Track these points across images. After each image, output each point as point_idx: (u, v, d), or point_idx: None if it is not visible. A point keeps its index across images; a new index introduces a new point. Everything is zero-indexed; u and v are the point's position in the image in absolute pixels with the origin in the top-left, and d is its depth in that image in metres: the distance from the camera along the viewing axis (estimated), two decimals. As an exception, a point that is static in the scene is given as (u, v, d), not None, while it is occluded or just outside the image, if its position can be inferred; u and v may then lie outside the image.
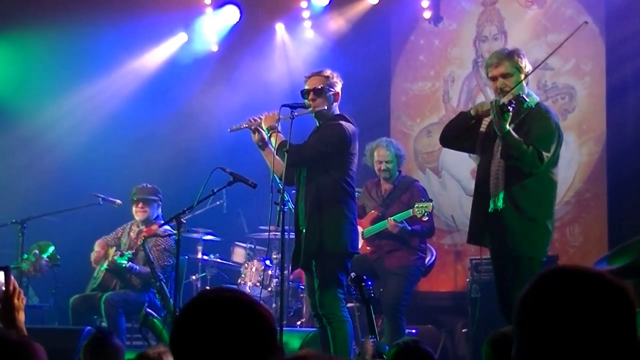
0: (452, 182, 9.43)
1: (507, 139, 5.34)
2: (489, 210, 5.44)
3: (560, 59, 8.97)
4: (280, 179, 6.01)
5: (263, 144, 6.19)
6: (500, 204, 5.39)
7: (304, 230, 5.96)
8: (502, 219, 5.41)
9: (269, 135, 6.09)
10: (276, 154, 6.01)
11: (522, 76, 5.47)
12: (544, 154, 5.33)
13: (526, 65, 5.50)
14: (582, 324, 1.77)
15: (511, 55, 5.53)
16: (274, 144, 6.04)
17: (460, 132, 5.65)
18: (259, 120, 6.16)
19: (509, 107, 5.19)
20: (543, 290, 1.84)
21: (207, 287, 8.34)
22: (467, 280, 8.24)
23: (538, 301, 1.83)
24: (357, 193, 6.65)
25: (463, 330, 8.31)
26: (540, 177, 5.43)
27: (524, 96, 5.42)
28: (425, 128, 9.79)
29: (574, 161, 8.75)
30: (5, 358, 2.38)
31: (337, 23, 10.06)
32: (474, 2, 9.56)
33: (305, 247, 5.92)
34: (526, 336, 1.83)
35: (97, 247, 8.04)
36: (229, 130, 6.40)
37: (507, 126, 5.28)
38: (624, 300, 1.81)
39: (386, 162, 7.66)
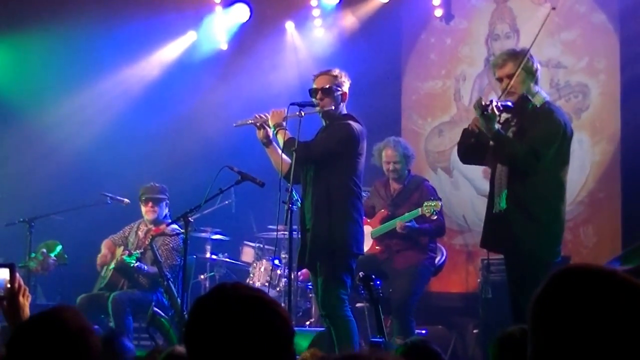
0: (464, 181, 9.35)
1: (496, 139, 5.30)
2: (493, 211, 5.41)
3: (574, 56, 8.89)
4: (284, 177, 5.97)
5: (267, 141, 6.14)
6: (503, 204, 5.35)
7: (309, 230, 5.91)
8: (506, 220, 5.36)
9: (275, 132, 6.04)
10: (283, 151, 5.96)
11: (528, 75, 5.41)
12: (541, 152, 5.26)
13: (534, 63, 5.44)
14: (597, 324, 1.73)
15: (516, 55, 5.48)
16: (280, 141, 6.00)
17: (467, 149, 5.60)
18: (265, 118, 6.11)
19: (488, 108, 5.14)
20: (557, 290, 1.80)
21: (226, 282, 8.29)
22: (479, 280, 8.17)
23: (552, 302, 1.79)
24: (364, 193, 6.59)
25: (474, 331, 8.24)
26: (545, 178, 5.36)
27: (529, 96, 5.38)
28: (436, 127, 9.72)
29: (588, 160, 8.66)
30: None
31: (347, 21, 10.01)
32: (485, -1, 9.49)
33: (311, 246, 5.88)
34: (542, 337, 1.79)
35: (104, 248, 8.01)
36: (234, 125, 6.37)
37: (496, 126, 5.24)
38: (638, 299, 1.77)
39: (394, 162, 7.60)
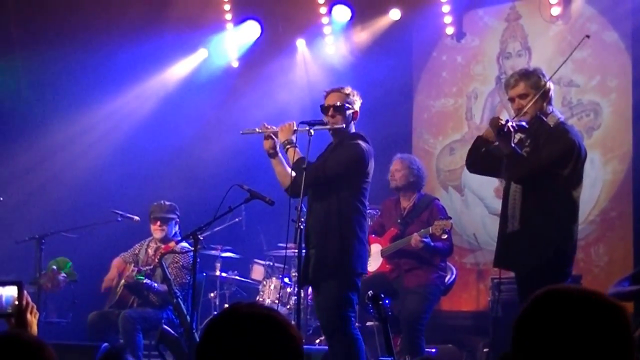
0: (475, 200, 9.32)
1: (512, 158, 5.29)
2: (507, 231, 5.39)
3: (585, 75, 8.86)
4: (287, 191, 5.96)
5: (274, 152, 6.13)
6: (517, 224, 5.33)
7: (313, 248, 5.89)
8: (520, 240, 5.35)
9: (285, 149, 6.02)
10: (293, 170, 5.95)
11: (541, 95, 5.39)
12: (556, 172, 5.26)
13: (546, 83, 5.41)
14: (578, 346, 1.76)
15: (528, 75, 5.46)
16: (291, 159, 5.98)
17: (477, 157, 5.58)
18: (272, 129, 6.10)
19: (504, 128, 5.13)
20: (539, 313, 1.83)
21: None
22: (489, 299, 8.14)
23: (534, 324, 1.82)
24: (373, 211, 6.57)
25: (484, 350, 8.19)
26: (559, 198, 5.34)
27: (542, 116, 5.36)
28: (447, 145, 9.70)
29: (599, 179, 8.61)
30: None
31: (358, 39, 10.02)
32: (497, 18, 9.48)
33: (315, 265, 5.85)
34: (522, 357, 1.82)
35: (113, 268, 7.99)
36: (241, 132, 6.34)
37: (511, 145, 5.22)
38: (620, 320, 1.80)
39: (395, 171, 7.59)
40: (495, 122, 5.23)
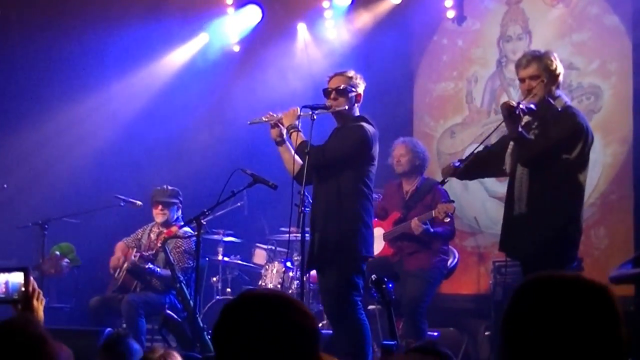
0: (476, 183, 9.30)
1: (519, 141, 5.30)
2: (514, 214, 5.41)
3: (586, 58, 8.86)
4: (295, 178, 5.97)
5: (281, 140, 6.14)
6: (524, 207, 5.35)
7: (317, 232, 5.91)
8: (526, 223, 5.37)
9: (289, 133, 6.04)
10: (296, 154, 5.97)
11: (551, 78, 5.40)
12: (564, 154, 5.27)
13: (557, 67, 5.43)
14: (565, 331, 1.79)
15: (540, 57, 5.47)
16: (294, 143, 6.00)
17: (465, 170, 5.65)
18: (278, 116, 6.11)
19: (515, 110, 5.14)
20: (523, 302, 1.86)
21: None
22: (490, 282, 8.16)
23: (519, 316, 1.85)
24: (375, 195, 6.59)
25: (486, 334, 8.23)
26: (566, 181, 5.36)
27: (550, 99, 5.37)
28: (448, 129, 9.71)
29: (599, 162, 8.60)
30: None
31: (359, 23, 10.00)
32: (498, 1, 9.46)
33: (320, 249, 5.87)
34: (512, 349, 1.85)
35: (118, 251, 8.01)
36: (248, 122, 6.35)
37: (519, 128, 5.24)
38: (604, 301, 1.83)
39: (400, 155, 7.61)
40: (506, 105, 5.23)
